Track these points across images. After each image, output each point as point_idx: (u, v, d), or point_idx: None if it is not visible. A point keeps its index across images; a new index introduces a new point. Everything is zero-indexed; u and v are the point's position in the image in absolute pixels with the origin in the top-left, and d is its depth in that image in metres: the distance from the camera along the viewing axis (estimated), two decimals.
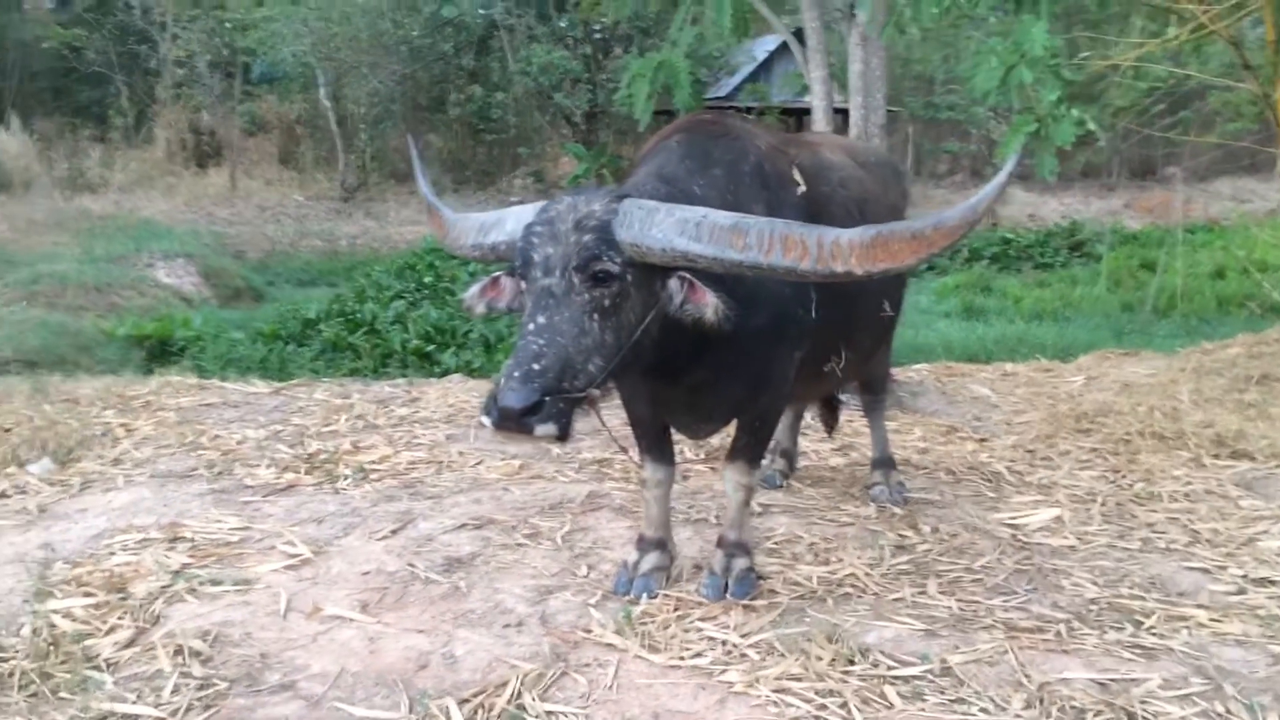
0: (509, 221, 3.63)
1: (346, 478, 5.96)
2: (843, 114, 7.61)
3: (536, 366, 3.24)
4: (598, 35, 28.91)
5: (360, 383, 8.90)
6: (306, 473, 6.05)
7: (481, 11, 28.44)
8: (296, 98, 30.88)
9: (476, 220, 3.81)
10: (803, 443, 6.70)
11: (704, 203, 3.71)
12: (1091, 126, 5.15)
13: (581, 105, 28.81)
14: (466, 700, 3.58)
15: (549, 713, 3.52)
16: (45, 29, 30.64)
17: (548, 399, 3.22)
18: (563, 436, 3.30)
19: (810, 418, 7.21)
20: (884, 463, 5.75)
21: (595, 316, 3.40)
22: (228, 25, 29.26)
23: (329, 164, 29.50)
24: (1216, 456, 6.30)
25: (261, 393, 8.06)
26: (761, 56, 29.68)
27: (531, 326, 3.34)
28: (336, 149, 29.08)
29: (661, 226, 3.44)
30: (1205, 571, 4.67)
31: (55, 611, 4.17)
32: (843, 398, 6.49)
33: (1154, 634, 4.02)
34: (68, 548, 4.92)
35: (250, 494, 5.72)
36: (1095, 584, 4.51)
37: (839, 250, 3.37)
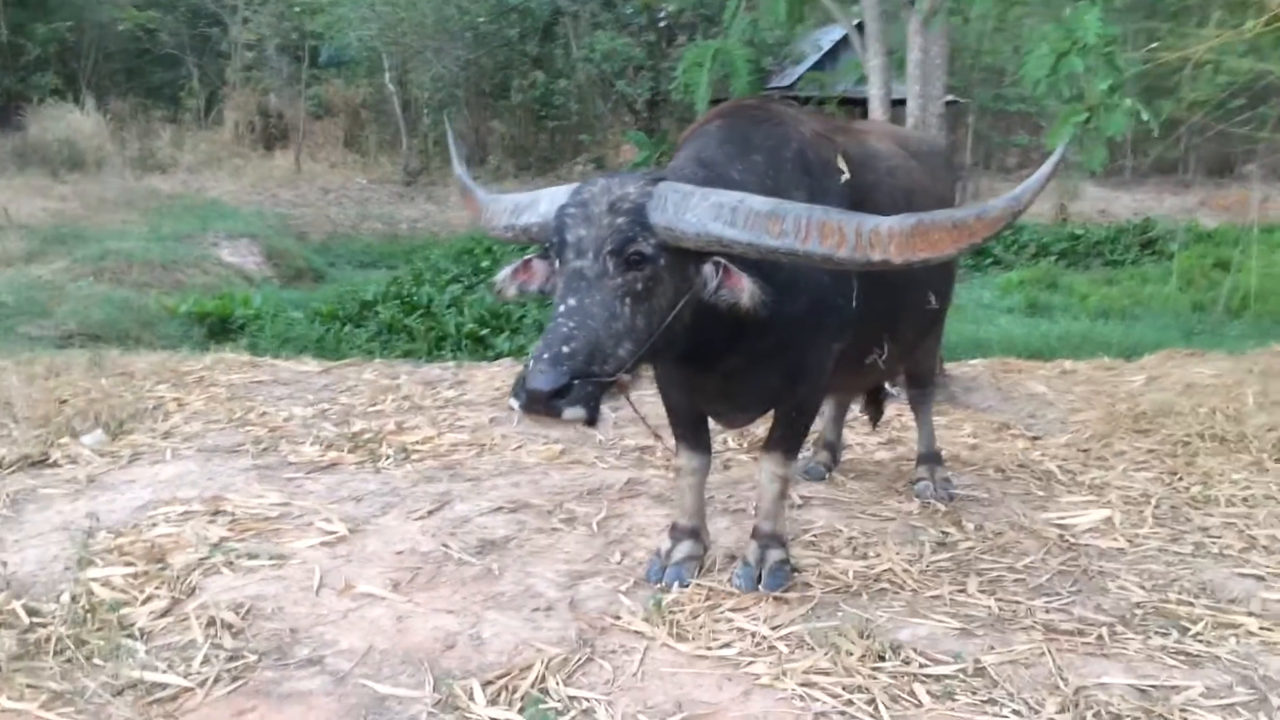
0: (542, 203, 3.59)
1: (388, 457, 5.99)
2: (902, 104, 7.47)
3: (566, 349, 3.20)
4: (662, 22, 28.81)
5: (410, 364, 8.96)
6: (350, 451, 6.09)
7: None
8: (362, 82, 31.19)
9: (510, 201, 3.77)
10: (849, 435, 6.59)
11: (742, 188, 3.63)
12: (1145, 117, 4.97)
13: (644, 93, 28.72)
14: (490, 682, 3.56)
15: (572, 697, 3.49)
16: (121, 11, 31.25)
17: (576, 382, 3.17)
18: (591, 420, 3.25)
19: (857, 410, 7.11)
20: (930, 458, 5.64)
21: (627, 300, 3.35)
22: (296, 9, 29.61)
23: (392, 148, 29.78)
24: (1279, 461, 6.08)
25: (311, 371, 8.14)
26: (827, 45, 29.37)
27: (562, 309, 3.30)
28: (400, 133, 29.32)
29: (696, 210, 3.38)
30: (1259, 579, 4.49)
31: (95, 579, 4.24)
32: (891, 390, 6.39)
33: (1200, 641, 3.88)
34: (112, 518, 4.99)
35: (293, 471, 5.77)
36: (1142, 588, 4.37)
37: (878, 238, 3.29)
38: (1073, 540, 4.93)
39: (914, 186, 4.54)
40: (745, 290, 3.40)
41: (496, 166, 30.08)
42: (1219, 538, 4.95)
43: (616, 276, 3.34)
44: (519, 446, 6.25)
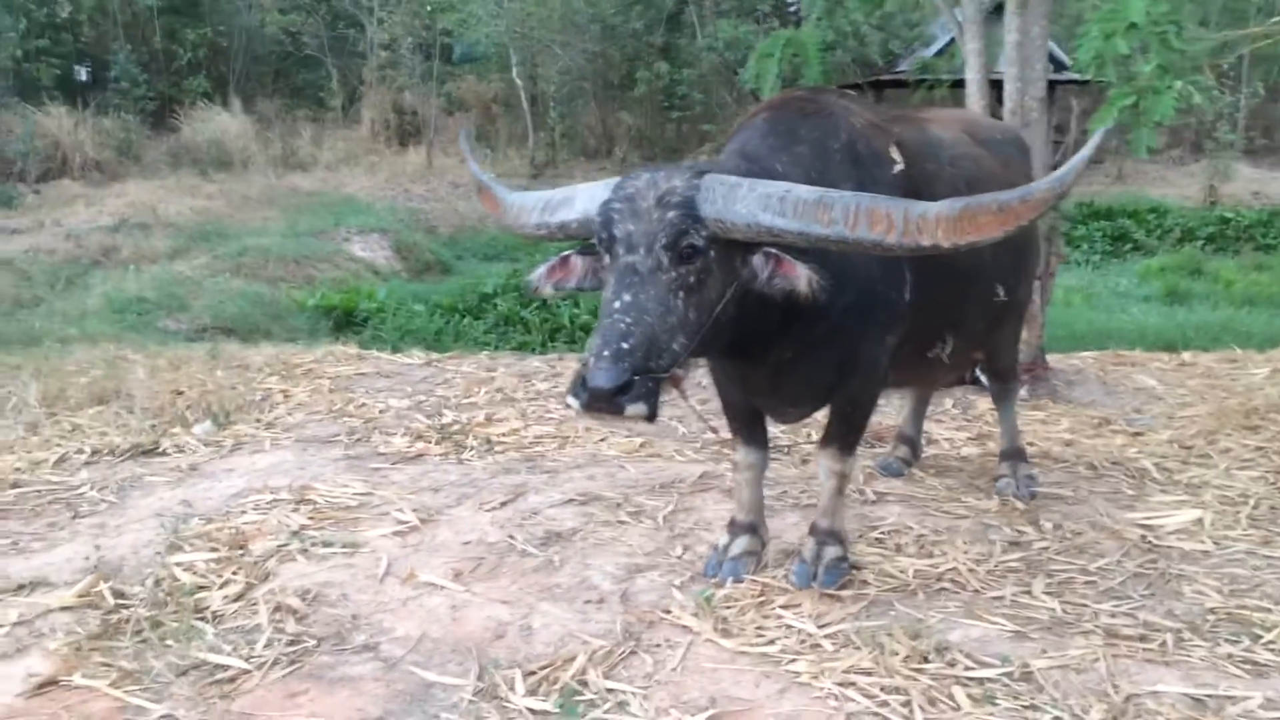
0: (579, 199, 3.62)
1: (472, 449, 6.14)
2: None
3: (625, 345, 3.22)
4: (790, 9, 28.47)
5: (513, 357, 9.13)
6: (437, 443, 6.26)
7: None
8: (494, 77, 31.75)
9: (538, 198, 3.80)
10: (936, 430, 6.47)
11: (785, 179, 3.60)
12: (1197, 99, 4.71)
13: None
14: (533, 672, 3.64)
15: (609, 690, 3.54)
16: (267, 14, 32.58)
17: (637, 378, 3.20)
18: (651, 416, 3.28)
19: (951, 404, 6.98)
20: (1013, 454, 5.48)
21: (680, 294, 3.36)
22: (428, 8, 30.32)
23: (522, 141, 30.24)
24: None
25: (414, 364, 8.38)
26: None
27: (617, 305, 3.31)
28: (528, 127, 29.78)
29: (745, 201, 3.37)
30: None
31: (179, 564, 4.48)
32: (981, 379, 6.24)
33: (1271, 649, 3.69)
34: (207, 505, 5.26)
35: (380, 461, 5.97)
36: (1220, 592, 4.17)
37: (925, 223, 3.25)
38: (1155, 542, 4.73)
39: (980, 175, 4.41)
40: (802, 276, 3.38)
41: (623, 158, 30.27)
42: None
43: (670, 270, 3.35)
44: (602, 439, 6.33)
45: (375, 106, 30.44)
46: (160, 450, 6.16)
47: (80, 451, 6.03)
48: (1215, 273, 18.63)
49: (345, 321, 14.16)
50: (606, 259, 3.50)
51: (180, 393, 7.21)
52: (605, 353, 3.20)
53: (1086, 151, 3.25)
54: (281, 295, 14.63)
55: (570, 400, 3.30)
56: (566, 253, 3.70)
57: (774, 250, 3.42)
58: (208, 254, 16.79)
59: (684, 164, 3.60)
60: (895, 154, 4.01)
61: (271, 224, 20.17)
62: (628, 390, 3.18)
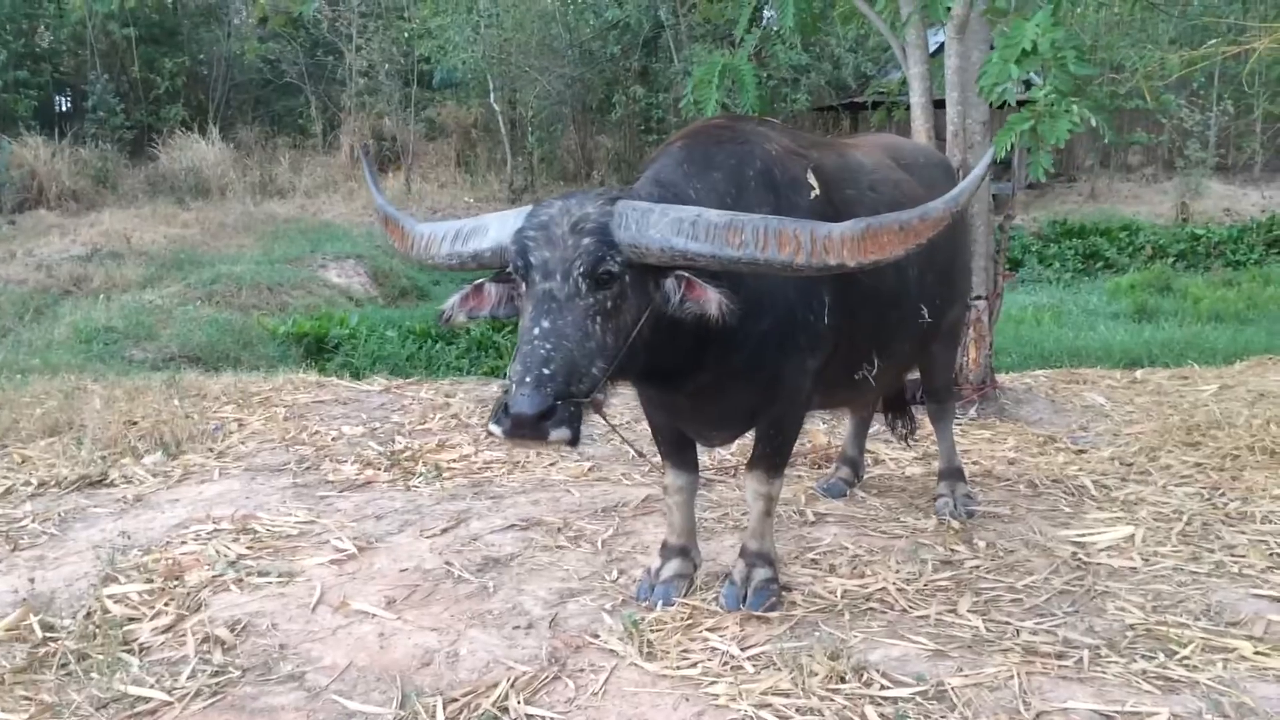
0: (491, 228, 3.65)
1: (421, 475, 6.16)
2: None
3: (546, 371, 3.25)
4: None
5: (475, 382, 9.16)
6: (386, 470, 6.29)
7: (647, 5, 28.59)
8: (473, 102, 31.89)
9: (447, 228, 3.82)
10: (882, 450, 6.52)
11: (698, 205, 3.68)
12: (1094, 123, 4.80)
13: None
14: (455, 700, 3.65)
15: (529, 715, 3.56)
16: (246, 43, 32.74)
17: (559, 403, 3.23)
18: (574, 440, 3.32)
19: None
20: (951, 474, 5.54)
21: (598, 319, 3.40)
22: (405, 35, 30.49)
23: (501, 166, 30.36)
24: None
25: (372, 390, 8.41)
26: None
27: (536, 331, 3.35)
28: (506, 151, 29.92)
29: (658, 226, 3.42)
30: (1275, 600, 4.29)
31: (111, 596, 4.48)
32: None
33: (1185, 665, 3.73)
34: (147, 536, 5.27)
35: (328, 489, 5.99)
36: (1142, 609, 4.21)
37: (830, 243, 3.33)
38: (1085, 559, 4.79)
39: (901, 199, 4.47)
40: (712, 300, 3.43)
41: (601, 180, 30.42)
42: (1243, 556, 4.74)
43: (587, 296, 3.39)
44: (551, 464, 6.36)
45: (354, 133, 30.56)
46: (108, 481, 6.17)
47: (27, 484, 6.03)
48: (1184, 289, 18.78)
49: (316, 348, 14.13)
50: (523, 286, 3.54)
51: (134, 423, 7.21)
52: (527, 379, 3.23)
53: (979, 170, 3.36)
54: (253, 323, 14.62)
55: (493, 427, 3.32)
56: (479, 280, 3.74)
57: (685, 274, 3.47)
58: (180, 282, 16.80)
59: (596, 190, 3.65)
60: (812, 179, 4.07)
61: (246, 251, 20.21)
62: (550, 415, 3.21)
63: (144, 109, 30.06)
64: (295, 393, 8.27)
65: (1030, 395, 7.70)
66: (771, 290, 3.77)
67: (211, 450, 6.78)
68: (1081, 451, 6.46)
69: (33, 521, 5.47)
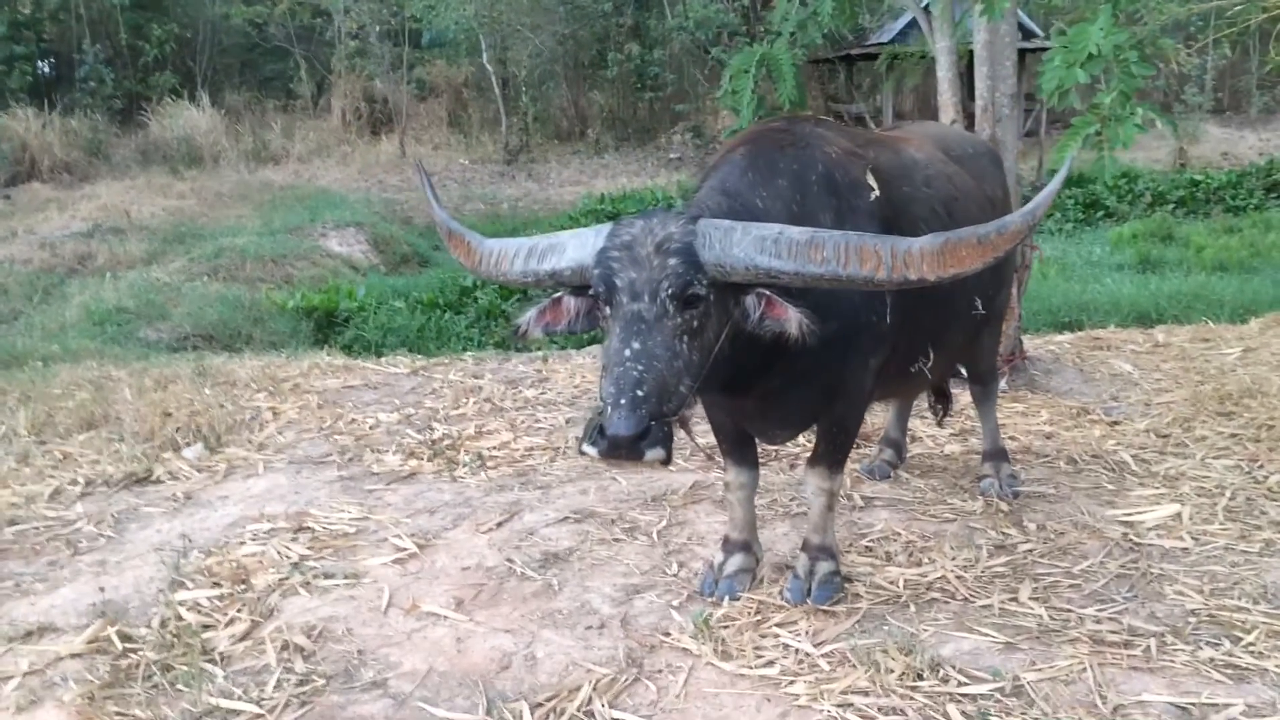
0: (569, 246, 3.65)
1: (464, 465, 6.21)
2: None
3: (640, 393, 3.29)
4: None
5: (497, 360, 9.17)
6: (429, 460, 6.34)
7: None
8: (464, 61, 31.57)
9: (519, 245, 3.81)
10: (919, 427, 6.58)
11: (767, 215, 3.74)
12: (1159, 124, 4.84)
13: None
14: (540, 704, 3.73)
15: (615, 719, 3.64)
16: (232, 6, 32.27)
17: (654, 424, 3.29)
18: (668, 459, 3.39)
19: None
20: (995, 454, 5.62)
21: (685, 338, 3.45)
22: None
23: (494, 127, 30.13)
24: None
25: (400, 373, 8.43)
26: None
27: (628, 353, 3.37)
28: (500, 112, 29.68)
29: (741, 245, 3.46)
30: None
31: (183, 603, 4.54)
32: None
33: (1251, 652, 3.83)
34: (205, 536, 5.32)
35: (374, 481, 6.04)
36: (1199, 592, 4.31)
37: (911, 259, 3.38)
38: (1136, 540, 4.87)
39: (955, 193, 4.51)
40: (792, 319, 3.47)
41: (596, 139, 30.24)
42: None
43: (676, 317, 3.43)
44: None
45: (345, 96, 30.28)
46: (154, 478, 6.20)
47: (74, 483, 6.06)
48: (1186, 238, 18.79)
49: (326, 322, 14.12)
50: (607, 307, 3.57)
51: (169, 414, 7.22)
52: (623, 401, 3.27)
53: (1055, 184, 3.41)
54: (261, 297, 14.56)
55: (587, 448, 3.37)
56: (558, 295, 3.75)
57: (766, 292, 3.51)
58: (183, 257, 16.71)
59: (673, 209, 3.67)
60: (871, 180, 4.09)
61: (246, 222, 20.07)
62: (645, 436, 3.27)
63: (133, 77, 29.69)
64: (324, 378, 8.29)
65: (1059, 365, 7.77)
66: (838, 294, 3.81)
67: (250, 441, 6.81)
68: (1115, 423, 6.54)
69: (87, 523, 5.51)
